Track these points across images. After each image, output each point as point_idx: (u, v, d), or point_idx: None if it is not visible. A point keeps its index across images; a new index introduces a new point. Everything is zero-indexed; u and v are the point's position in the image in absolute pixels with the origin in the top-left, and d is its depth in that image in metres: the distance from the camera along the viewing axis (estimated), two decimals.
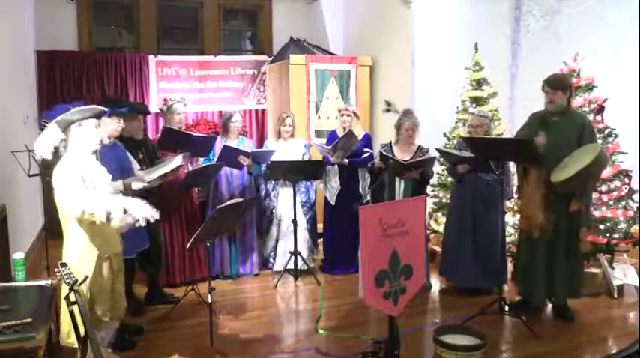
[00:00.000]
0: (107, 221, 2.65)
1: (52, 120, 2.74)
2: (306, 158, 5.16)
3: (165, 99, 4.75)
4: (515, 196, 4.47)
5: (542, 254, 3.97)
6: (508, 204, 4.87)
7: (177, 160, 3.71)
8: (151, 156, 4.21)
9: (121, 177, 3.30)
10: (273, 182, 5.18)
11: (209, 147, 4.73)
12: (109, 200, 2.70)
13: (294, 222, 4.98)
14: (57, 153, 2.80)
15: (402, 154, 4.59)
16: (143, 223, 2.79)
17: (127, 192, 3.28)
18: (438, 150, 4.62)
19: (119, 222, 2.84)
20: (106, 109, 2.98)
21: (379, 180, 4.52)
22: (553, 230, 3.92)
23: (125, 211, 2.67)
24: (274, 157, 5.03)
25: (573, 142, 3.82)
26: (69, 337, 2.82)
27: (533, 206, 3.91)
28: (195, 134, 4.65)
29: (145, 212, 2.69)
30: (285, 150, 5.10)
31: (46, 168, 4.24)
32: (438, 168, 5.22)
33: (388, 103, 6.12)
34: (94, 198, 2.67)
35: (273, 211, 5.18)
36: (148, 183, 3.38)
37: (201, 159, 4.78)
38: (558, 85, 3.88)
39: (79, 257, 2.81)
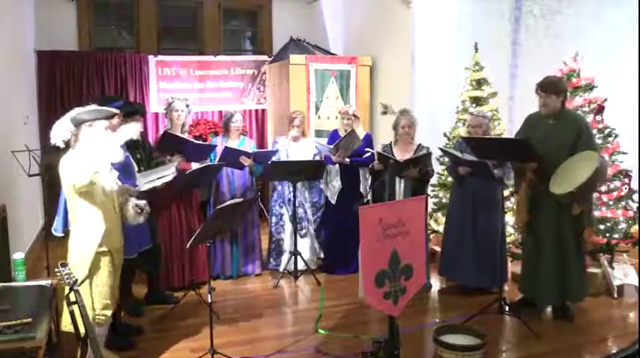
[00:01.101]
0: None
1: None
2: (317, 158, 5.15)
3: (167, 99, 4.75)
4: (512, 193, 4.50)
5: (550, 254, 3.96)
6: (508, 204, 4.87)
7: (170, 171, 3.75)
8: (148, 156, 4.21)
9: (123, 176, 3.31)
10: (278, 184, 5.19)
11: (207, 154, 4.74)
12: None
13: (294, 221, 4.97)
14: (66, 148, 2.88)
15: (401, 154, 4.59)
16: (147, 210, 3.03)
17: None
18: (441, 149, 4.62)
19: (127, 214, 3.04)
20: (116, 111, 3.03)
21: (379, 180, 4.52)
22: (559, 231, 3.92)
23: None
24: (284, 156, 5.03)
25: (570, 144, 3.81)
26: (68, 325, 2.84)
27: (522, 204, 3.94)
28: (195, 142, 4.65)
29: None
30: (296, 149, 5.10)
31: (46, 168, 4.25)
32: (438, 168, 5.22)
33: (385, 106, 6.12)
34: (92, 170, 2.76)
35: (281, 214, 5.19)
36: (139, 192, 3.43)
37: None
38: (551, 88, 3.87)
39: (80, 251, 2.83)
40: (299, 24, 7.74)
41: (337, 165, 5.08)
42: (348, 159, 5.00)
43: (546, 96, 3.87)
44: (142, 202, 3.11)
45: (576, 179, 3.57)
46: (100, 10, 7.29)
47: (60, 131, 2.82)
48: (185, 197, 4.67)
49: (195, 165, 4.61)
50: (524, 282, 4.20)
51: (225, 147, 4.77)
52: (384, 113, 6.17)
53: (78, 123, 2.84)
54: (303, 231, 5.18)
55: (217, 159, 4.76)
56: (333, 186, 5.16)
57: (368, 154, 5.04)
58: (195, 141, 4.71)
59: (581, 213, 3.83)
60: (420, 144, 4.67)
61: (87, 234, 2.87)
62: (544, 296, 4.06)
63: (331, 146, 4.99)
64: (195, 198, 4.84)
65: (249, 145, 5.09)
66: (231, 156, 4.73)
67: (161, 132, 5.06)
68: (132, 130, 3.74)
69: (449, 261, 4.63)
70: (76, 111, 2.86)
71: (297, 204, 5.03)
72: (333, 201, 5.16)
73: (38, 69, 6.56)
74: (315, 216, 5.27)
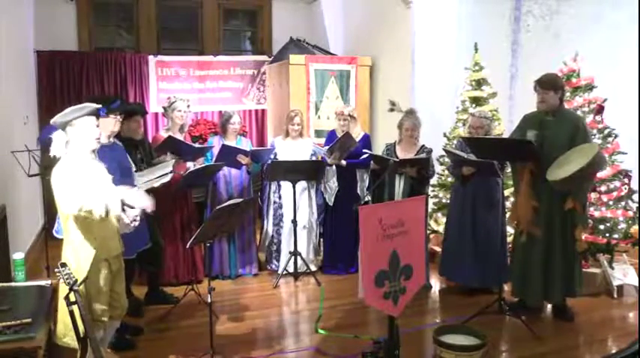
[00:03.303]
0: (106, 215, 2.71)
1: (44, 141, 2.79)
2: (314, 158, 5.13)
3: (169, 98, 4.75)
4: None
5: (538, 254, 3.97)
6: (508, 204, 4.87)
7: (167, 170, 3.74)
8: (148, 156, 4.21)
9: (121, 177, 3.30)
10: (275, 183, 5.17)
11: (204, 154, 4.74)
12: (106, 194, 2.72)
13: (294, 222, 4.98)
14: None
15: (404, 153, 4.61)
16: (137, 221, 2.96)
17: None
18: (444, 150, 4.62)
19: (118, 222, 2.91)
20: (99, 106, 2.97)
21: (380, 180, 4.53)
22: (548, 230, 3.92)
23: (123, 203, 2.79)
24: (281, 156, 5.03)
25: (566, 142, 3.81)
26: (64, 336, 2.83)
27: (525, 204, 3.93)
28: (193, 145, 4.65)
29: (142, 201, 2.85)
30: (293, 149, 5.09)
31: (45, 168, 4.24)
32: (438, 168, 5.22)
33: (392, 103, 6.08)
34: (91, 194, 2.66)
35: (281, 213, 5.18)
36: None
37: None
38: (549, 85, 3.87)
39: (76, 257, 2.81)
40: (299, 24, 7.74)
41: (334, 166, 5.08)
42: (344, 161, 5.00)
43: (544, 93, 3.88)
44: (135, 212, 3.06)
45: (574, 165, 3.57)
46: (100, 10, 7.28)
47: (59, 143, 2.77)
48: (182, 197, 4.68)
49: (190, 165, 4.62)
50: (514, 283, 4.19)
51: (223, 144, 4.77)
52: (392, 110, 6.14)
53: (63, 127, 2.78)
54: (303, 225, 5.15)
55: (214, 158, 4.76)
56: (330, 187, 5.16)
57: (366, 156, 5.04)
58: (193, 145, 4.71)
59: (573, 209, 3.84)
60: (423, 145, 4.68)
61: (81, 244, 2.82)
62: (531, 296, 4.06)
63: (326, 148, 4.99)
64: (191, 198, 4.84)
65: (245, 145, 5.07)
66: (229, 155, 4.73)
67: (161, 132, 5.06)
68: (108, 127, 3.45)
69: (449, 261, 4.63)
70: (55, 117, 2.79)
71: (297, 205, 5.03)
72: (331, 203, 5.17)
73: (38, 69, 6.56)
74: (320, 218, 5.28)
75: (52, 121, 2.79)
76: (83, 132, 2.80)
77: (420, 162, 4.46)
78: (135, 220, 3.01)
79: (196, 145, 4.87)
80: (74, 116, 2.79)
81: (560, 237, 3.92)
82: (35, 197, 5.62)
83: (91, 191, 2.68)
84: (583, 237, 3.99)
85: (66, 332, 2.80)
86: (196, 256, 4.79)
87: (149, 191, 3.79)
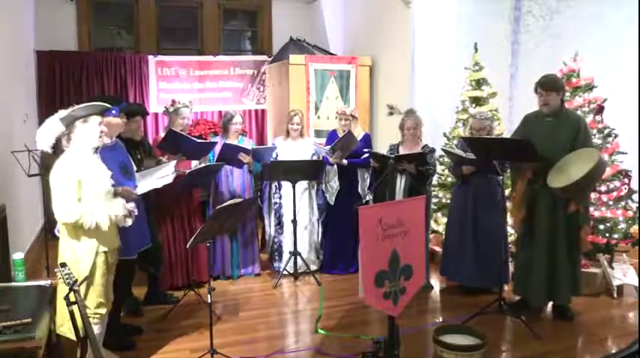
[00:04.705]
0: (95, 227, 2.78)
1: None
2: (315, 159, 5.13)
3: (173, 101, 4.72)
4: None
5: (542, 254, 3.97)
6: (508, 204, 4.87)
7: (169, 171, 3.75)
8: (148, 156, 4.21)
9: (123, 176, 3.31)
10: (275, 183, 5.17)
11: (208, 151, 4.73)
12: (96, 209, 2.76)
13: (294, 222, 4.98)
14: (59, 150, 2.82)
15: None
16: (134, 213, 3.02)
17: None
18: (443, 149, 4.62)
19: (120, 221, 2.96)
20: (109, 106, 2.98)
21: (381, 178, 4.53)
22: (551, 230, 3.92)
23: (110, 217, 2.84)
24: (282, 156, 5.02)
25: (567, 143, 3.81)
26: (62, 325, 2.85)
27: (519, 201, 3.96)
28: (198, 141, 4.65)
29: (125, 209, 2.92)
30: (294, 150, 5.08)
31: (45, 168, 4.24)
32: (438, 168, 5.22)
33: (391, 107, 6.09)
34: (80, 208, 2.71)
35: (280, 212, 5.18)
36: (138, 194, 3.42)
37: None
38: (551, 86, 3.87)
39: (72, 254, 2.81)
40: (299, 24, 7.74)
41: (335, 166, 5.08)
42: (345, 161, 5.00)
43: (547, 95, 3.87)
44: (131, 205, 3.07)
45: (575, 174, 3.57)
46: (100, 10, 7.29)
47: (47, 134, 2.74)
48: (185, 197, 4.67)
49: (194, 163, 4.61)
50: (517, 282, 4.20)
51: (225, 143, 4.77)
52: (391, 114, 6.15)
53: (71, 122, 2.77)
54: (304, 225, 5.15)
55: (216, 156, 4.76)
56: (331, 186, 5.16)
57: (366, 155, 5.04)
58: (197, 140, 4.71)
59: (576, 211, 3.84)
60: (426, 144, 4.69)
61: (77, 238, 2.83)
62: (534, 296, 4.06)
63: (328, 147, 4.99)
64: (197, 198, 4.84)
65: (247, 144, 5.07)
66: (230, 153, 4.73)
67: (161, 132, 5.06)
68: (115, 127, 3.45)
69: (450, 261, 4.63)
70: (68, 110, 2.79)
71: (297, 206, 5.02)
72: (332, 202, 5.17)
73: (38, 69, 6.57)
74: (321, 218, 5.27)
75: (65, 115, 2.78)
76: (93, 129, 2.82)
77: (416, 158, 4.46)
78: (132, 212, 3.02)
79: (199, 140, 4.85)
80: (89, 112, 2.82)
81: (564, 238, 3.92)
82: (35, 197, 5.62)
83: (80, 205, 2.71)
84: (588, 237, 4.00)
85: (63, 322, 2.82)
86: (200, 257, 4.78)
87: (152, 191, 3.80)
